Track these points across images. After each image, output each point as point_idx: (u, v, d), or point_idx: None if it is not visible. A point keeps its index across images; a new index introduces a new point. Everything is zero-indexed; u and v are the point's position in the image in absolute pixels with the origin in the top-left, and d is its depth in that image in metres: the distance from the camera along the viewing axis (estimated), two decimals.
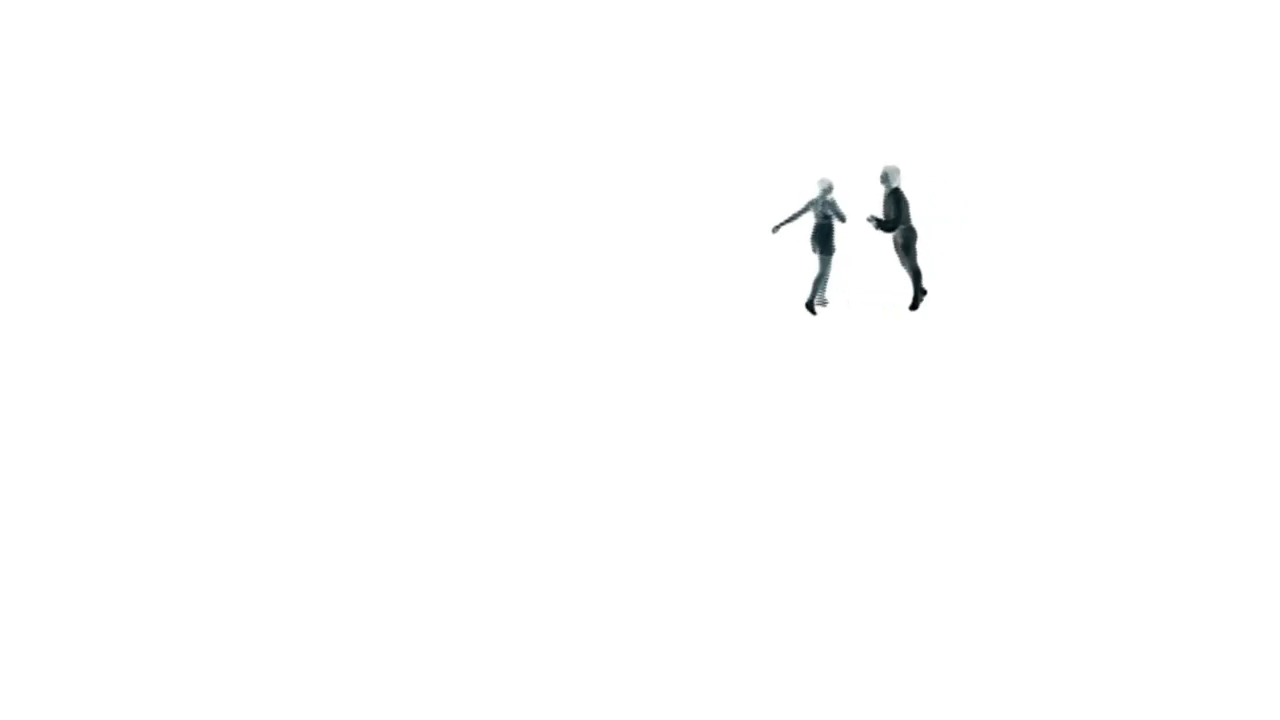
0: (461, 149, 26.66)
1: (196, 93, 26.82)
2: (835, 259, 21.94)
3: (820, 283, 20.87)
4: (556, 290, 22.07)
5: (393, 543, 7.63)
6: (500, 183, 25.54)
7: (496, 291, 21.96)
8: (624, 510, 8.35)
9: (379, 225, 24.48)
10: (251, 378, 15.69)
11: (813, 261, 22.05)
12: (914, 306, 20.55)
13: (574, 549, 7.31)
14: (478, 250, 23.88)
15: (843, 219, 20.87)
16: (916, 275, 20.44)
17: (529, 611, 6.08)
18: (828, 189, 20.88)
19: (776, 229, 21.17)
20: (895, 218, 20.05)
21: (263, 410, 13.28)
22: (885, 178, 20.56)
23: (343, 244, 23.76)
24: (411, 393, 14.64)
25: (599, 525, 7.90)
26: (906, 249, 20.34)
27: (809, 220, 23.56)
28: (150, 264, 22.76)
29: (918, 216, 24.88)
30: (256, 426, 12.23)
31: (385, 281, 22.40)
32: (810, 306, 20.75)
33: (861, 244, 24.34)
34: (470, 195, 25.27)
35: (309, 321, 19.72)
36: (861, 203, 25.28)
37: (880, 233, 21.08)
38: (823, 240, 20.66)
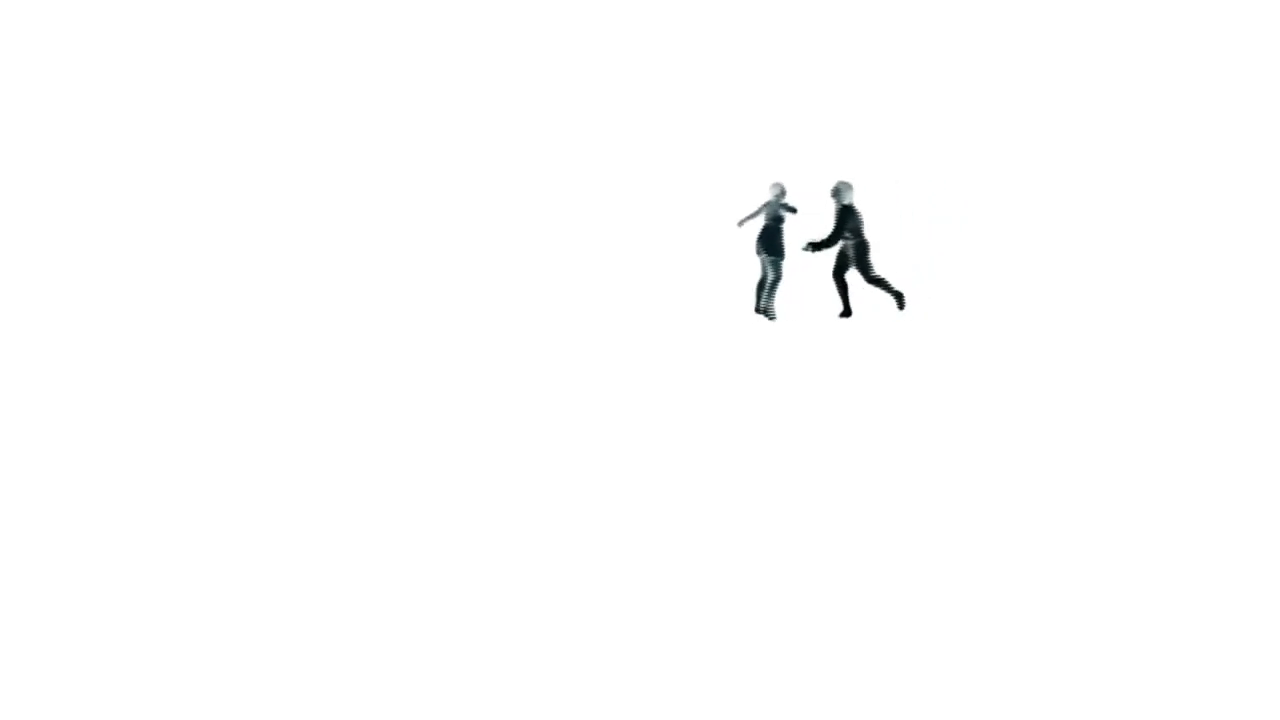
0: (409, 149, 26.62)
1: (181, 93, 26.79)
2: (785, 263, 21.57)
3: (773, 287, 20.49)
4: (519, 290, 22.04)
5: (347, 533, 7.60)
6: (461, 182, 25.51)
7: (462, 292, 21.93)
8: (599, 514, 8.32)
9: (330, 225, 24.47)
10: (223, 375, 15.68)
11: (757, 265, 21.69)
12: (901, 306, 20.34)
13: (544, 551, 7.28)
14: (440, 249, 23.85)
15: (794, 211, 20.57)
16: (883, 284, 20.07)
17: (496, 611, 6.06)
18: (780, 193, 20.56)
19: (741, 223, 21.05)
20: (831, 236, 19.68)
21: (232, 406, 13.25)
22: (837, 193, 20.16)
23: (296, 242, 23.74)
24: (369, 391, 14.61)
25: (569, 528, 7.87)
26: (861, 263, 19.99)
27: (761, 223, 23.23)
28: (134, 263, 22.75)
29: (924, 218, 24.82)
30: (230, 423, 12.21)
31: (337, 279, 22.39)
32: (763, 311, 20.36)
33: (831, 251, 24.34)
34: (427, 195, 25.25)
35: (267, 315, 19.71)
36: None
37: (819, 252, 20.62)
38: (770, 243, 20.28)
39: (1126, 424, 12.54)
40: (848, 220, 19.68)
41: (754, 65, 28.02)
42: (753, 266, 23.69)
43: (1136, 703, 4.91)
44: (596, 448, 10.90)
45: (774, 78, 27.82)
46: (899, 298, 20.23)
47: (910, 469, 10.39)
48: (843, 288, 20.21)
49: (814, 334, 19.27)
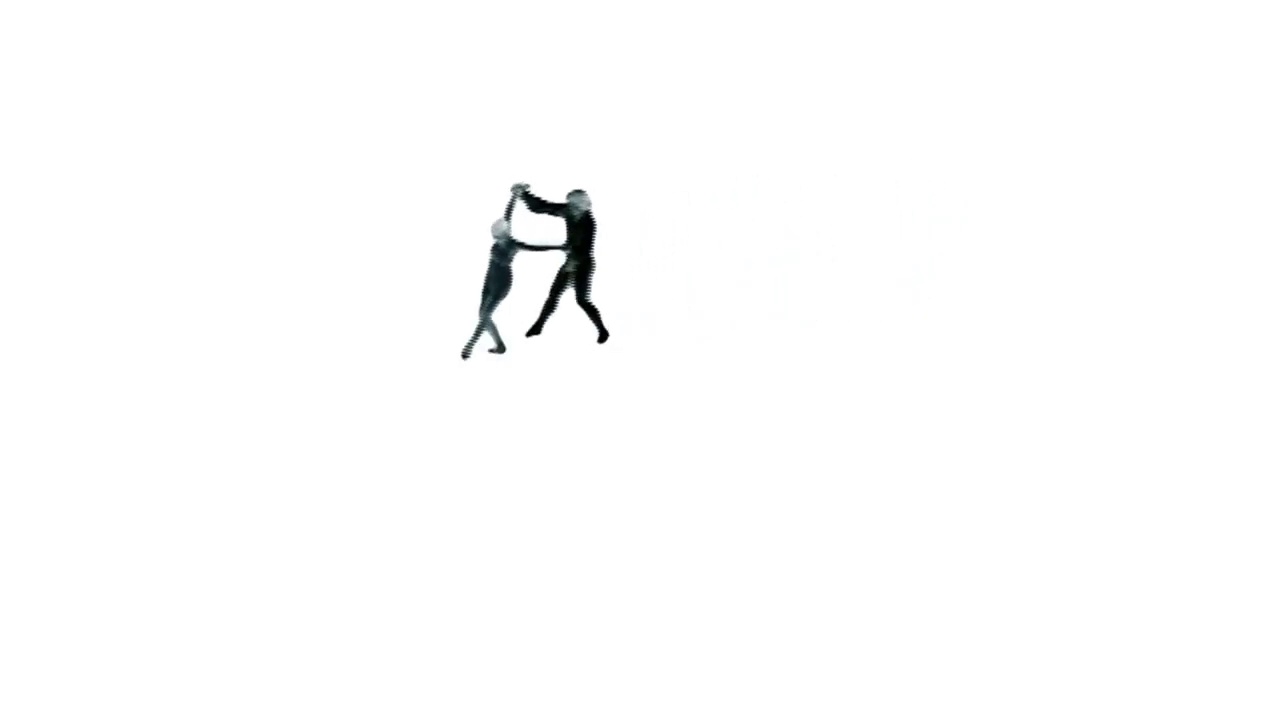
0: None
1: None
2: (502, 302, 19.27)
3: (480, 327, 18.74)
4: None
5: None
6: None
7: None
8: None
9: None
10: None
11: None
12: (601, 340, 18.62)
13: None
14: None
15: (502, 239, 18.31)
16: (594, 313, 18.62)
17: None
18: (502, 233, 18.62)
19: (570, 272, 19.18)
20: (580, 250, 18.30)
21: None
22: (573, 204, 18.72)
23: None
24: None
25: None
26: (581, 283, 18.51)
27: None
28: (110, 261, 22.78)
29: (924, 218, 24.75)
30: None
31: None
32: (466, 352, 18.61)
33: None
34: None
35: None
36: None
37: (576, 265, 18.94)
38: (495, 280, 18.32)
39: (1128, 426, 12.52)
40: (592, 231, 18.40)
41: (750, 63, 28.00)
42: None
43: (1135, 704, 4.90)
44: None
45: (770, 76, 27.81)
46: (603, 333, 18.62)
47: (914, 468, 10.36)
48: (550, 307, 18.71)
49: (817, 335, 19.26)
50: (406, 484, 10.06)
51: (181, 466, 10.35)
